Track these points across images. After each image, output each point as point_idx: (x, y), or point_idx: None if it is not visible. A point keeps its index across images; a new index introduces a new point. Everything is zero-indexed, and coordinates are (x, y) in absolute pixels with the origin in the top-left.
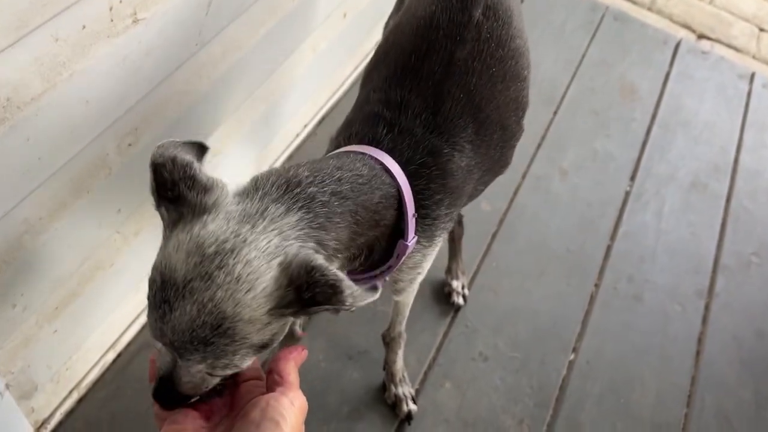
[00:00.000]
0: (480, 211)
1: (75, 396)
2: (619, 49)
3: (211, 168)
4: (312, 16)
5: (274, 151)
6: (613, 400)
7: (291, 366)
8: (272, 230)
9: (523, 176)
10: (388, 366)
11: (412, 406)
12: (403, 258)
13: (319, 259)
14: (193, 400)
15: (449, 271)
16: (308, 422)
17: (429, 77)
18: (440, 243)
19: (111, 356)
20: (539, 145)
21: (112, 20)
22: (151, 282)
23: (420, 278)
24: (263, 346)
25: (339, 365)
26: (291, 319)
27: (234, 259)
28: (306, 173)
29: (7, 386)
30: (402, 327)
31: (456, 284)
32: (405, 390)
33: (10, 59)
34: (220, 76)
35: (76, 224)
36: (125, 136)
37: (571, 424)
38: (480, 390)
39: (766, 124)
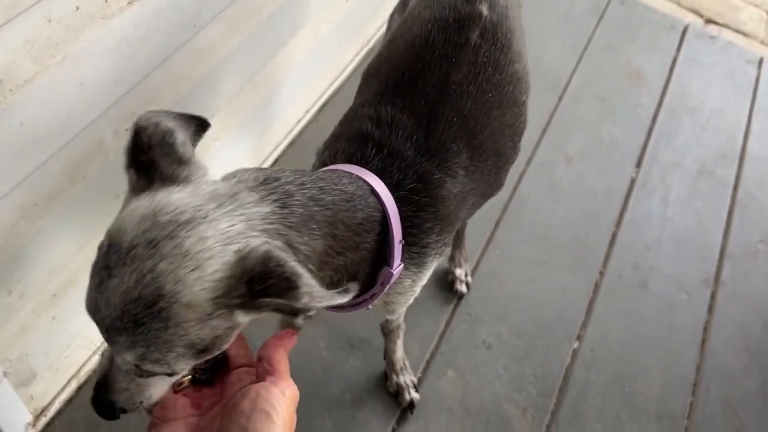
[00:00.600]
0: None
1: (74, 384)
2: (626, 34)
3: (209, 154)
4: None
5: (275, 137)
6: (618, 388)
7: (281, 353)
8: (238, 215)
9: (528, 163)
10: (388, 355)
11: (415, 395)
12: (388, 285)
13: (280, 252)
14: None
15: (452, 258)
16: (310, 410)
17: (422, 98)
18: (433, 267)
19: None
20: (544, 132)
21: (106, 1)
22: (99, 247)
23: (413, 298)
24: (202, 351)
25: (341, 353)
26: (238, 323)
27: (186, 232)
28: (288, 173)
29: (5, 374)
30: (400, 319)
31: (459, 272)
32: (407, 379)
33: (2, 41)
34: (220, 61)
35: (72, 210)
36: (122, 120)
37: (575, 413)
38: (483, 379)
39: None
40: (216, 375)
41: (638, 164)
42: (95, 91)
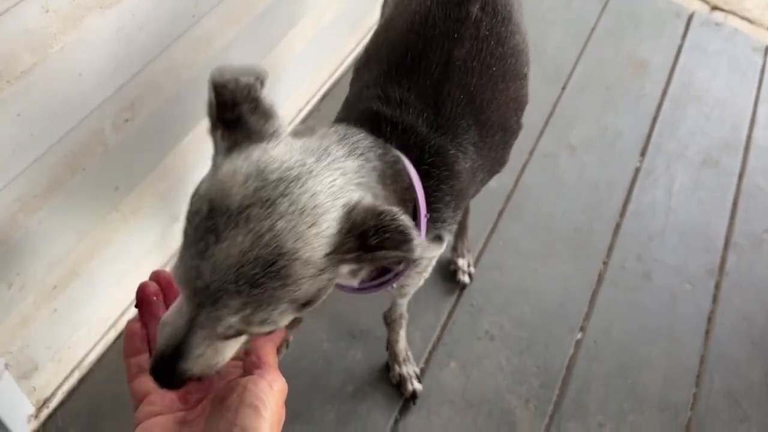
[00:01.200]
0: (486, 188)
1: (76, 375)
2: (630, 22)
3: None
4: None
5: None
6: (621, 380)
7: (269, 346)
8: (336, 169)
9: (531, 153)
10: (390, 346)
11: (417, 386)
12: None
13: (387, 206)
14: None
15: (455, 249)
16: (312, 402)
17: (427, 77)
18: (446, 244)
19: (112, 335)
20: (547, 122)
21: None
22: (192, 214)
23: (423, 280)
24: (306, 303)
25: (342, 345)
26: (341, 275)
27: (300, 188)
28: (355, 131)
29: (6, 366)
30: (403, 308)
31: (462, 262)
32: (409, 369)
33: None
34: (219, 50)
35: (72, 202)
36: (121, 111)
37: (578, 404)
38: (485, 370)
39: None
40: None
41: (642, 154)
42: (94, 81)
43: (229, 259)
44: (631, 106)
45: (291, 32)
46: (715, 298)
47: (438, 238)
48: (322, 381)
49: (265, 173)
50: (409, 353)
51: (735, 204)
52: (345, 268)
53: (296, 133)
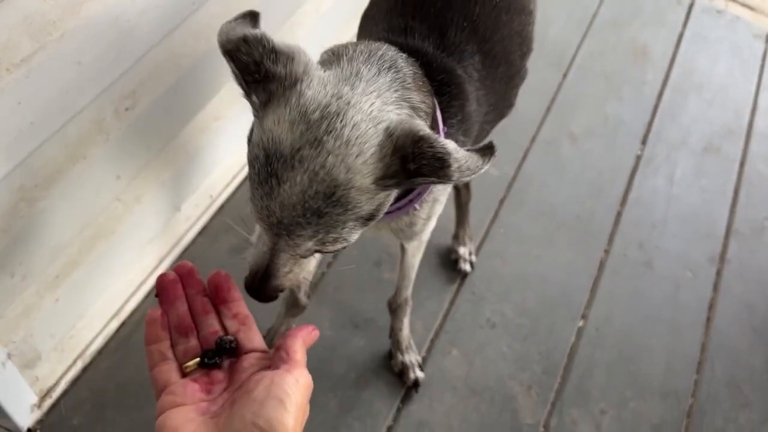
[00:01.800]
0: (487, 176)
1: (79, 365)
2: (632, 9)
3: (211, 133)
4: None
5: None
6: (622, 367)
7: (299, 344)
8: (371, 92)
9: (532, 141)
10: (394, 333)
11: (419, 374)
12: None
13: (426, 129)
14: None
15: (456, 237)
16: (314, 390)
17: (430, 5)
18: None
19: (115, 324)
20: (548, 110)
21: None
22: (253, 159)
23: (435, 219)
24: (370, 218)
25: (345, 333)
26: (394, 189)
27: (341, 122)
28: (379, 44)
29: (9, 355)
30: (408, 293)
31: (463, 251)
32: (412, 357)
33: None
34: None
35: (73, 191)
36: (122, 99)
37: (580, 391)
38: (487, 357)
39: None
40: (225, 359)
41: (644, 142)
42: (94, 69)
43: (293, 197)
44: (633, 94)
45: (291, 20)
46: (716, 286)
47: (489, 149)
48: (325, 369)
49: (307, 115)
50: (412, 341)
51: (736, 191)
52: (395, 190)
53: (324, 63)
